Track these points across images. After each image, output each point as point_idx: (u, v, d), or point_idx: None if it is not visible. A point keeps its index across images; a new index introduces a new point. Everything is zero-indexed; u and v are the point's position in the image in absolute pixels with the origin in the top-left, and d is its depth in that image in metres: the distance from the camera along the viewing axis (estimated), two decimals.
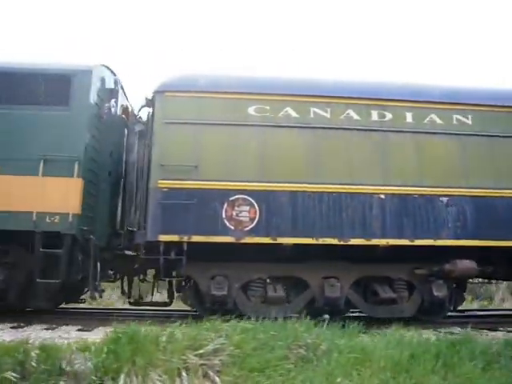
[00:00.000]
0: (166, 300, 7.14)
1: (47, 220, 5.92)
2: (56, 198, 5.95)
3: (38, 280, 5.93)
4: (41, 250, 5.86)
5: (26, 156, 6.03)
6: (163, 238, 5.95)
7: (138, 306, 7.09)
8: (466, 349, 4.22)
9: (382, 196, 6.19)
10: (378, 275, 6.40)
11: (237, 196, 6.08)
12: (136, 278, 7.02)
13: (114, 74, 7.14)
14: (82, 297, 7.16)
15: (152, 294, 7.15)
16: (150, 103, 6.90)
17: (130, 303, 7.10)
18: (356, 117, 6.44)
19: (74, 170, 6.02)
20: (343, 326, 4.90)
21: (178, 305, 7.75)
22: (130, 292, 6.92)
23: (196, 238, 5.97)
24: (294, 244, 6.04)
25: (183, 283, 6.85)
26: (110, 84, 6.98)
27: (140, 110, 7.16)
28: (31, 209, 5.89)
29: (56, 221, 5.92)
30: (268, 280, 6.35)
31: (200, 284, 6.23)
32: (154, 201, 6.07)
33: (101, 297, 6.59)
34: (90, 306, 8.47)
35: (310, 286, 6.32)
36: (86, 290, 6.87)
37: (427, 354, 4.04)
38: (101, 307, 8.96)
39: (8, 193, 5.95)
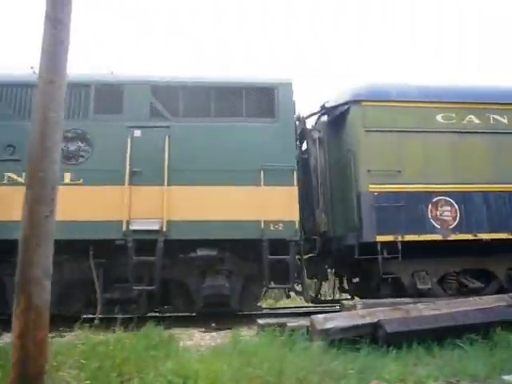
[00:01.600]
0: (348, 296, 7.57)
1: (271, 228, 6.21)
2: (278, 206, 6.24)
3: (269, 286, 6.25)
4: (269, 257, 6.15)
5: (246, 167, 6.29)
6: (380, 238, 6.41)
7: (317, 304, 7.50)
8: None
9: None
10: None
11: (438, 197, 6.62)
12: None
13: None
14: None
15: (333, 293, 7.58)
16: (329, 111, 7.32)
17: (311, 302, 7.49)
18: None
19: (294, 178, 6.34)
20: None
21: None
22: (319, 291, 7.32)
23: (408, 238, 6.46)
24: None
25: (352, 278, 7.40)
26: None
27: (308, 117, 7.54)
28: (258, 217, 6.17)
29: (280, 228, 6.21)
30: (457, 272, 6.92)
31: (404, 280, 6.71)
32: (366, 204, 6.50)
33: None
34: None
35: (498, 276, 6.95)
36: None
37: None
38: None
39: (233, 203, 6.20)
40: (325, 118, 7.47)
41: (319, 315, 4.75)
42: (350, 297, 7.56)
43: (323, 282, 7.61)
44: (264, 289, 6.73)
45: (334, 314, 4.84)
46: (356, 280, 7.92)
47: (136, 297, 6.14)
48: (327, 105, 7.41)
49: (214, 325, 6.03)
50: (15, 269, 6.27)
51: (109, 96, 6.53)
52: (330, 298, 7.79)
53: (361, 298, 7.94)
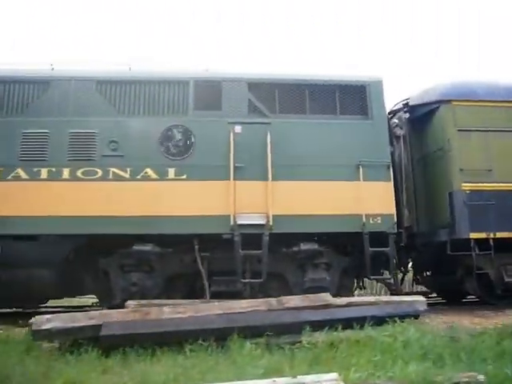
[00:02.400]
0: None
1: (371, 221, 6.38)
2: (377, 200, 6.42)
3: (371, 278, 6.43)
4: (370, 249, 6.33)
5: (345, 163, 6.47)
6: (473, 235, 6.60)
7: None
8: None
9: None
10: None
11: None
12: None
13: None
14: None
15: (412, 286, 7.80)
16: (412, 109, 7.48)
17: (391, 294, 7.69)
18: None
19: (390, 174, 6.53)
20: None
21: None
22: (401, 283, 7.52)
23: (500, 235, 6.65)
24: None
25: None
26: None
27: (389, 114, 7.69)
28: (359, 211, 6.34)
29: (379, 222, 6.39)
30: None
31: (490, 274, 6.91)
32: (459, 202, 6.68)
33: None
34: None
35: None
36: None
37: None
38: None
39: (334, 197, 6.35)
40: (405, 115, 7.60)
41: (45, 315, 4.40)
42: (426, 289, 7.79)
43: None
44: (356, 281, 6.92)
45: (61, 314, 4.57)
46: (428, 273, 8.17)
47: (241, 289, 6.29)
48: (410, 103, 7.55)
49: (20, 322, 5.80)
50: (119, 260, 6.44)
51: (207, 92, 6.64)
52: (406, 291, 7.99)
53: (438, 291, 8.23)
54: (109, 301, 6.46)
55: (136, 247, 6.22)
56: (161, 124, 6.47)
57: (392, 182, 6.56)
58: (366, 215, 6.33)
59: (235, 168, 6.31)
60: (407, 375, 3.44)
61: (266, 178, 6.31)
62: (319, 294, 5.29)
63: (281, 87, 6.73)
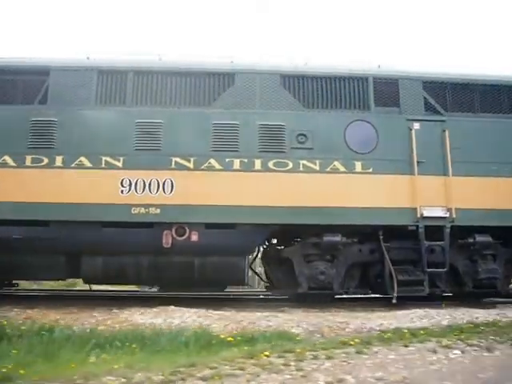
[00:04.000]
0: None
1: None
2: None
3: None
4: None
5: None
6: None
7: None
8: None
9: None
10: None
11: None
12: None
13: None
14: None
15: None
16: None
17: None
18: None
19: None
20: None
21: None
22: None
23: None
24: None
25: None
26: None
27: None
28: None
29: None
30: None
31: None
32: None
33: None
34: None
35: None
36: None
37: None
38: None
39: (509, 193, 6.73)
40: None
41: None
42: None
43: None
44: None
45: None
46: None
47: (422, 278, 6.62)
48: None
49: None
50: (303, 249, 6.66)
51: (386, 89, 6.89)
52: None
53: None
54: (292, 289, 6.74)
55: (326, 237, 6.48)
56: (345, 118, 6.72)
57: None
58: None
59: (418, 163, 6.61)
60: None
61: (446, 174, 6.64)
62: None
63: (452, 86, 7.03)
